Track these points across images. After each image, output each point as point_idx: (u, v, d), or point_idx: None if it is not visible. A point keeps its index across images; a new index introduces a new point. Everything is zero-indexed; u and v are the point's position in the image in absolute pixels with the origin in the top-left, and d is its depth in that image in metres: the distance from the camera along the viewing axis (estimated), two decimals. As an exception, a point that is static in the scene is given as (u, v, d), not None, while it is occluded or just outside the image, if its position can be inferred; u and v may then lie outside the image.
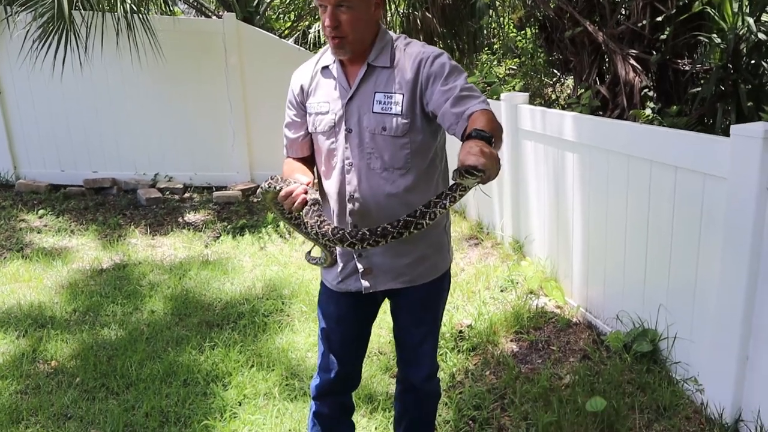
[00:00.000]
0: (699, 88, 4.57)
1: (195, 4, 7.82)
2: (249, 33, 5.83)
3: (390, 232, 1.51)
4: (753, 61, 4.32)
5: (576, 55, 5.40)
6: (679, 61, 4.86)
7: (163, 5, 6.10)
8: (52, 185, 5.93)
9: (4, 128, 5.91)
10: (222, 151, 6.01)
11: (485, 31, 7.59)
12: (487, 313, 3.35)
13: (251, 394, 2.79)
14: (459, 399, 2.69)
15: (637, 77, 4.65)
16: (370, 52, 1.74)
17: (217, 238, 4.90)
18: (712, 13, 4.37)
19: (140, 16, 4.91)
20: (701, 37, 4.50)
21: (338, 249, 1.84)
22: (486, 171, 1.30)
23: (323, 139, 1.80)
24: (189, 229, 5.08)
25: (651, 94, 4.99)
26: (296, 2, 9.57)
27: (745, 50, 4.33)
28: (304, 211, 1.64)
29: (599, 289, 3.21)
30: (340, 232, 1.57)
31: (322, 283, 1.98)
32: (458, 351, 3.08)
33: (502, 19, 8.21)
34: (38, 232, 4.99)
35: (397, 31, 6.66)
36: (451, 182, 1.45)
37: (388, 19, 6.43)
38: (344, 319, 1.94)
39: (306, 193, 1.63)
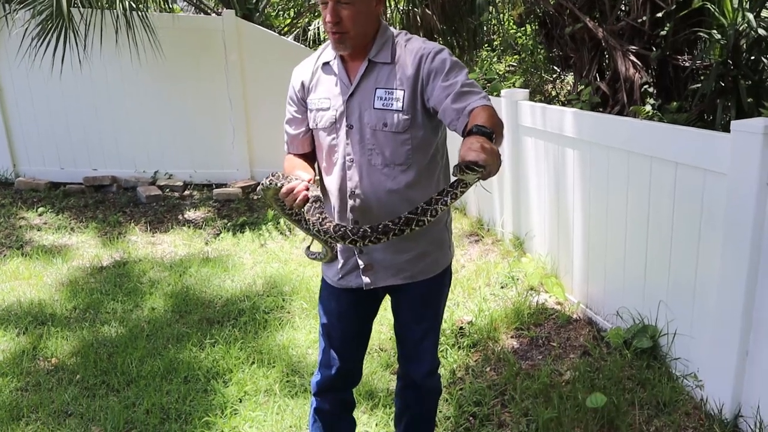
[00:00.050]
0: (699, 85, 4.57)
1: (194, 1, 7.80)
2: (248, 30, 5.82)
3: (392, 229, 1.51)
4: (753, 57, 4.32)
5: (576, 52, 5.39)
6: (679, 57, 4.85)
7: (162, 3, 6.10)
8: (51, 183, 5.93)
9: (3, 126, 5.91)
10: (222, 149, 6.00)
11: (485, 28, 7.57)
12: (488, 310, 3.35)
13: (252, 390, 2.79)
14: (459, 395, 2.70)
15: (637, 73, 4.64)
16: (371, 48, 1.74)
17: (218, 235, 4.90)
18: (712, 9, 4.37)
19: (139, 13, 4.90)
20: (701, 33, 4.50)
21: (339, 245, 1.84)
22: (487, 167, 1.30)
23: (324, 136, 1.80)
24: (189, 227, 5.08)
25: (651, 90, 4.99)
26: (295, -1, 9.56)
27: (745, 46, 4.32)
28: (305, 208, 1.64)
29: (599, 285, 3.21)
30: (342, 229, 1.57)
31: (323, 280, 1.98)
32: (459, 347, 3.09)
33: (502, 15, 8.19)
34: (38, 230, 4.99)
35: (397, 28, 6.64)
36: (452, 178, 1.45)
37: (388, 15, 6.42)
38: (345, 316, 1.94)
39: (307, 189, 1.63)
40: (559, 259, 3.58)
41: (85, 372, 2.96)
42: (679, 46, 4.88)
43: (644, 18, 4.77)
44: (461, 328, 3.23)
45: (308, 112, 1.84)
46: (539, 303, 3.42)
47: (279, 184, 1.65)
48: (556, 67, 7.14)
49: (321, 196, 1.69)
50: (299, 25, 8.62)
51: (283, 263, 4.24)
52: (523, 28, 8.02)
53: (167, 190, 5.87)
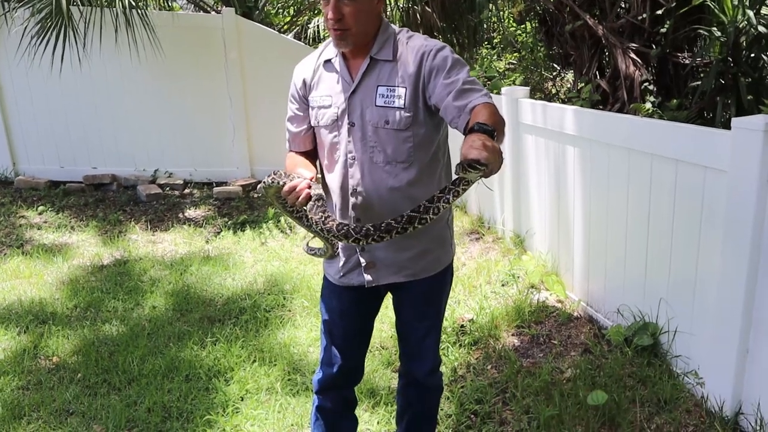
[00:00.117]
0: (699, 82, 4.57)
1: (193, -1, 7.79)
2: (248, 28, 5.81)
3: (394, 228, 1.51)
4: (753, 55, 4.32)
5: (576, 49, 5.39)
6: (679, 54, 4.85)
7: (161, 1, 6.09)
8: (51, 182, 5.93)
9: (2, 125, 5.90)
10: (222, 147, 6.00)
11: (485, 26, 7.58)
12: (489, 308, 3.36)
13: (253, 389, 2.79)
14: (461, 393, 2.70)
15: (637, 71, 4.64)
16: (372, 46, 1.73)
17: (218, 233, 4.90)
18: (712, 6, 4.36)
19: (139, 11, 4.90)
20: (701, 31, 4.49)
21: (341, 243, 1.84)
22: (489, 165, 1.30)
23: (326, 133, 1.80)
24: (189, 225, 5.08)
25: (651, 87, 4.99)
26: (295, -3, 9.55)
27: (745, 43, 4.32)
28: (308, 206, 1.63)
29: (600, 283, 3.21)
30: (345, 227, 1.57)
31: (324, 278, 1.99)
32: (460, 345, 3.09)
33: (501, 13, 8.19)
34: (38, 229, 4.99)
35: (397, 25, 6.64)
36: (454, 176, 1.45)
37: (388, 13, 6.41)
38: (347, 313, 1.94)
39: (309, 188, 1.62)
40: (559, 257, 3.58)
41: (87, 370, 2.96)
42: (679, 43, 4.88)
43: (644, 15, 4.77)
44: (462, 326, 3.23)
45: (310, 109, 1.84)
46: (540, 301, 3.42)
47: (281, 183, 1.64)
48: (556, 65, 7.14)
49: (323, 194, 1.69)
50: (299, 23, 8.61)
51: (283, 261, 4.24)
52: (523, 26, 8.02)
53: (167, 188, 5.87)
